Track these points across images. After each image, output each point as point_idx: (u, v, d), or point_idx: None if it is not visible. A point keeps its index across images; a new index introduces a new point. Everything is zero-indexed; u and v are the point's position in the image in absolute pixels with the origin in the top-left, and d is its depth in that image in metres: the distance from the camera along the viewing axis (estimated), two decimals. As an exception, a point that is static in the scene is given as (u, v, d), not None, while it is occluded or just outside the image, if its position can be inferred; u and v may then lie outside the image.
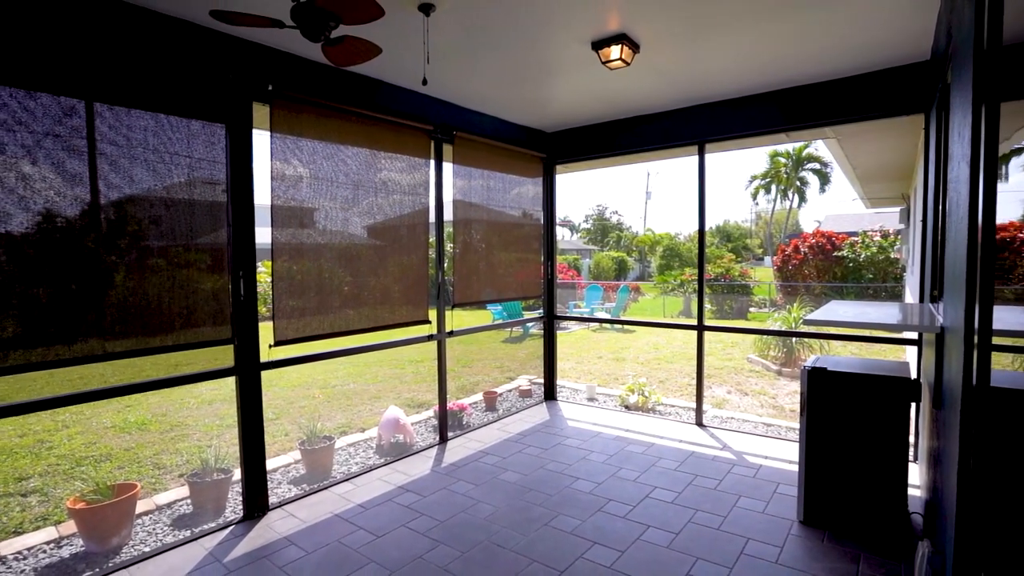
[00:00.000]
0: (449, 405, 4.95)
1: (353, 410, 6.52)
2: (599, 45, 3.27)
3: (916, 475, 3.69)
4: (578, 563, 2.81)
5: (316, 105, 3.56)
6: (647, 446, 4.52)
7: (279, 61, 3.35)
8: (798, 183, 36.14)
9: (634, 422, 5.20)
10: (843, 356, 3.76)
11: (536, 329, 11.38)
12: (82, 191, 2.59)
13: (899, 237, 15.78)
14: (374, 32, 2.82)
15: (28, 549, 3.10)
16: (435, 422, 5.15)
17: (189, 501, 3.65)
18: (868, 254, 15.78)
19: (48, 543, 3.18)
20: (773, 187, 36.92)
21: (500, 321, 12.26)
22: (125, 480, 3.76)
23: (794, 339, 8.42)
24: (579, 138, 5.50)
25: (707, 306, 16.48)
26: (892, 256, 15.76)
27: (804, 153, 34.85)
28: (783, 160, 35.61)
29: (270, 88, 3.29)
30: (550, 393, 6.07)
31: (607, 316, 14.58)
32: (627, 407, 5.78)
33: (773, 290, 18.19)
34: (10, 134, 2.37)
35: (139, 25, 2.76)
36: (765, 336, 8.99)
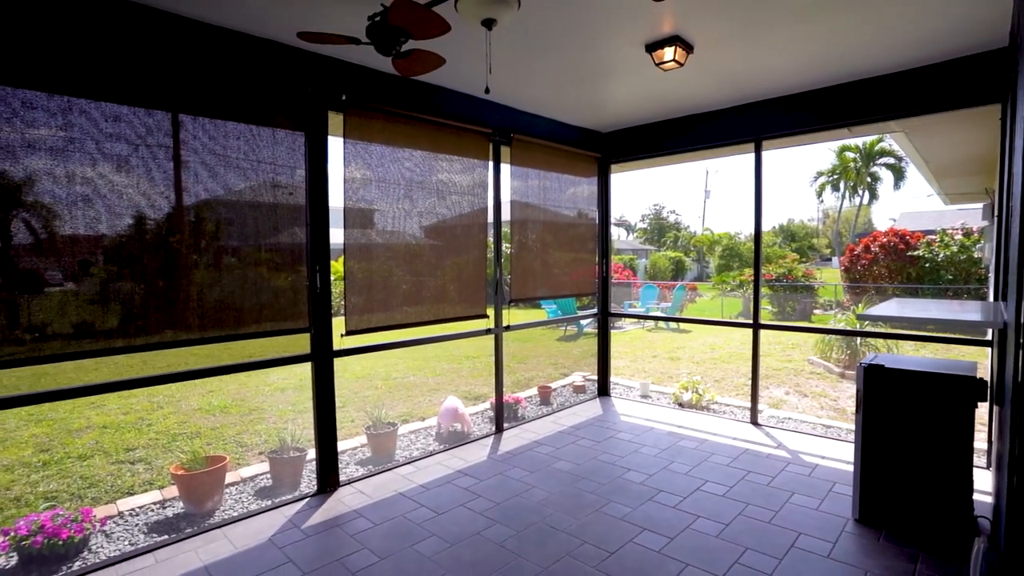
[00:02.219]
0: (505, 397, 5.15)
1: (413, 401, 6.85)
2: (653, 47, 3.37)
3: (989, 482, 3.56)
4: (627, 546, 2.93)
5: (384, 112, 3.83)
6: (699, 442, 4.55)
7: (352, 73, 3.65)
8: (869, 179, 34.04)
9: (687, 419, 5.23)
10: (905, 355, 3.68)
11: (591, 328, 11.44)
12: (188, 197, 2.95)
13: (983, 235, 14.71)
14: (438, 44, 3.05)
15: (140, 507, 3.55)
16: (491, 413, 5.37)
17: (269, 475, 4.02)
18: (947, 253, 14.80)
19: (155, 504, 3.61)
20: (841, 184, 35.00)
21: (555, 317, 12.40)
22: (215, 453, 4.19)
23: (858, 340, 8.10)
24: (634, 138, 5.56)
25: (768, 308, 16.05)
26: (975, 256, 14.72)
27: (876, 147, 32.80)
28: (852, 155, 33.66)
29: (344, 98, 3.59)
30: (604, 389, 6.16)
31: (661, 315, 14.41)
32: (680, 404, 5.80)
33: (840, 291, 17.38)
34: (120, 144, 2.75)
35: (235, 46, 3.10)
36: (827, 337, 8.69)
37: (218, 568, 2.77)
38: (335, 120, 3.64)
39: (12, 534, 2.84)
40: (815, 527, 3.11)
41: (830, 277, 21.14)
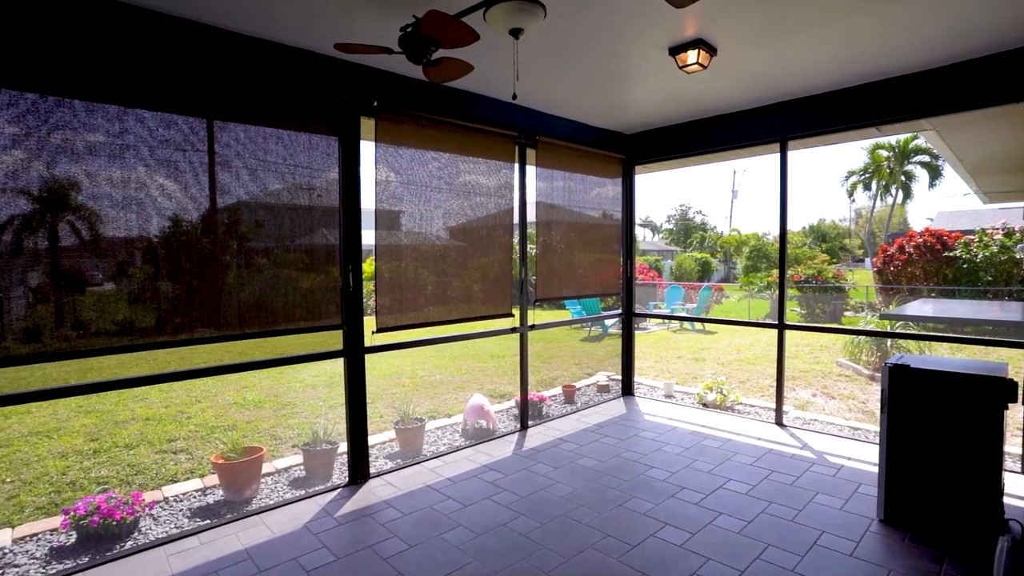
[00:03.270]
0: (529, 395, 5.24)
1: (439, 398, 6.99)
2: (676, 50, 3.42)
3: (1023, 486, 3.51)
4: (649, 540, 2.99)
5: (413, 117, 3.96)
6: (723, 442, 4.57)
7: (383, 80, 3.79)
8: (903, 178, 33.00)
9: (711, 419, 5.24)
10: (933, 356, 3.64)
11: (615, 329, 11.45)
12: (228, 200, 3.13)
13: (1025, 235, 14.20)
14: (467, 51, 3.16)
15: (183, 494, 3.75)
16: (516, 411, 5.46)
17: (302, 466, 4.19)
18: (987, 254, 14.33)
19: (196, 491, 3.81)
20: (874, 183, 34.04)
21: (579, 317, 12.44)
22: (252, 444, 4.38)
23: (888, 342, 7.95)
24: (658, 139, 5.60)
25: (796, 309, 15.77)
26: (1017, 256, 14.21)
27: (911, 145, 31.80)
28: (885, 153, 32.70)
29: (376, 104, 3.73)
30: (627, 389, 6.20)
31: (685, 315, 14.32)
32: (705, 405, 5.80)
33: (872, 293, 16.98)
34: (167, 151, 2.93)
35: (274, 57, 3.27)
36: (856, 339, 8.54)
37: (257, 551, 2.93)
38: (366, 125, 3.78)
39: (72, 513, 3.05)
40: (838, 526, 3.12)
41: (863, 279, 20.67)
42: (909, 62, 3.75)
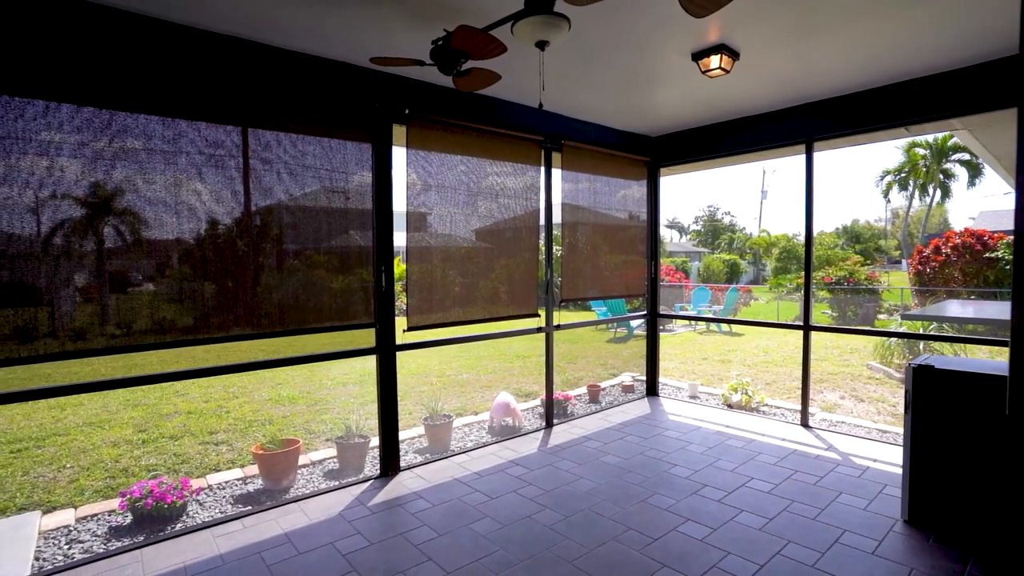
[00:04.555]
0: (554, 394, 5.35)
1: (466, 396, 7.15)
2: (699, 56, 3.49)
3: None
4: (671, 534, 3.07)
5: (442, 123, 4.12)
6: (747, 442, 4.60)
7: (414, 89, 3.95)
8: (941, 176, 31.89)
9: (735, 419, 5.26)
10: (961, 357, 3.62)
11: (640, 330, 11.44)
12: (270, 201, 3.32)
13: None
14: (494, 61, 3.29)
15: (225, 482, 3.97)
16: (541, 410, 5.57)
17: (336, 459, 4.38)
18: (1030, 255, 13.79)
19: (238, 479, 4.03)
20: (910, 182, 33.01)
21: (604, 317, 12.47)
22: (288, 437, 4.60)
23: (921, 345, 7.79)
24: (683, 141, 5.65)
25: (827, 312, 15.47)
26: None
27: (949, 143, 30.72)
28: (922, 151, 31.66)
29: (407, 111, 3.89)
30: (652, 389, 6.25)
31: (710, 316, 14.21)
32: (729, 405, 5.81)
33: (908, 295, 16.54)
34: (214, 158, 3.13)
35: (312, 69, 3.46)
36: (888, 342, 8.39)
37: (296, 535, 3.11)
38: (398, 131, 3.95)
39: (129, 496, 3.28)
40: (861, 525, 3.14)
41: (898, 281, 20.14)
42: (938, 61, 3.74)
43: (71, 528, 3.27)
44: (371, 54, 3.38)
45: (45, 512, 3.50)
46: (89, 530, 3.25)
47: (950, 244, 15.00)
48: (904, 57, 3.63)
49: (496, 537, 3.07)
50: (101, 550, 3.01)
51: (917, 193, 33.53)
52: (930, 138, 30.86)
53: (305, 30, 3.08)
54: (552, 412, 5.23)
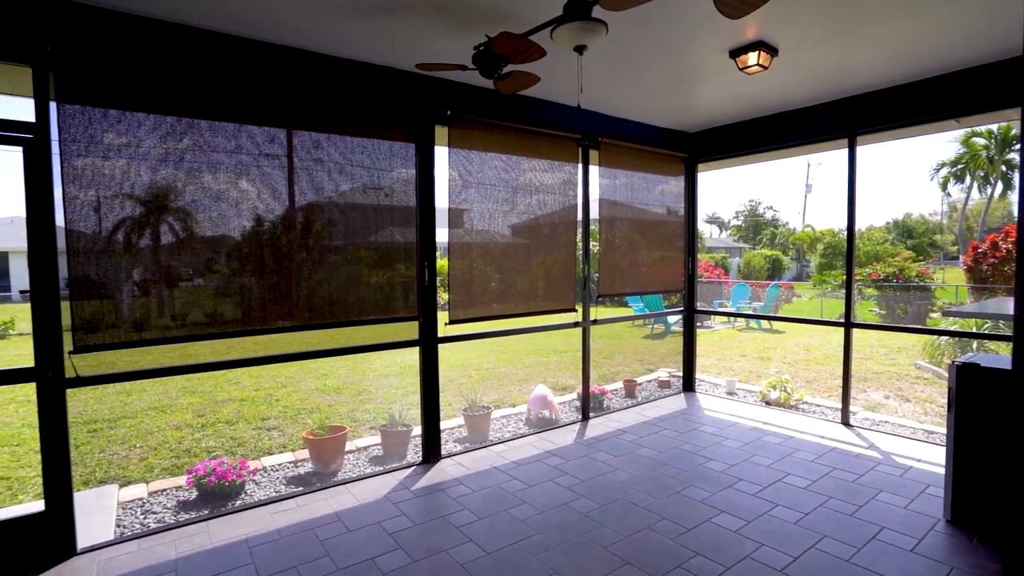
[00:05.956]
0: (591, 388, 5.43)
1: (504, 389, 7.30)
2: (736, 53, 3.51)
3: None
4: (704, 525, 3.13)
5: (483, 123, 4.25)
6: (784, 438, 4.58)
7: (455, 91, 4.09)
8: (1003, 168, 30.08)
9: (773, 416, 5.23)
10: (1007, 356, 3.52)
11: (677, 327, 11.36)
12: (319, 199, 3.53)
13: None
14: (534, 64, 3.39)
15: (278, 465, 4.24)
16: (577, 403, 5.67)
17: (380, 446, 4.59)
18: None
19: (289, 463, 4.29)
20: (968, 174, 31.26)
21: (640, 313, 12.42)
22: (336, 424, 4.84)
23: (974, 344, 7.49)
24: (721, 137, 5.61)
25: (875, 310, 14.93)
26: None
27: (1012, 132, 28.89)
28: (982, 142, 29.88)
29: (449, 113, 4.04)
30: (688, 385, 6.26)
31: (749, 312, 13.95)
32: (767, 402, 5.77)
33: (964, 293, 15.80)
34: (270, 159, 3.35)
35: (361, 75, 3.64)
36: (938, 341, 8.10)
37: (346, 514, 3.31)
38: (440, 131, 4.10)
39: (194, 473, 3.57)
40: (901, 523, 3.12)
41: (954, 278, 19.24)
42: (987, 51, 3.63)
43: (144, 500, 3.58)
44: (415, 60, 3.54)
45: (121, 486, 3.83)
46: (160, 503, 3.55)
47: (1010, 239, 14.25)
48: (953, 47, 3.55)
49: (534, 522, 3.20)
50: (172, 520, 3.29)
51: (978, 185, 31.75)
52: (994, 127, 29.17)
53: (361, 40, 3.26)
54: (588, 405, 5.32)
